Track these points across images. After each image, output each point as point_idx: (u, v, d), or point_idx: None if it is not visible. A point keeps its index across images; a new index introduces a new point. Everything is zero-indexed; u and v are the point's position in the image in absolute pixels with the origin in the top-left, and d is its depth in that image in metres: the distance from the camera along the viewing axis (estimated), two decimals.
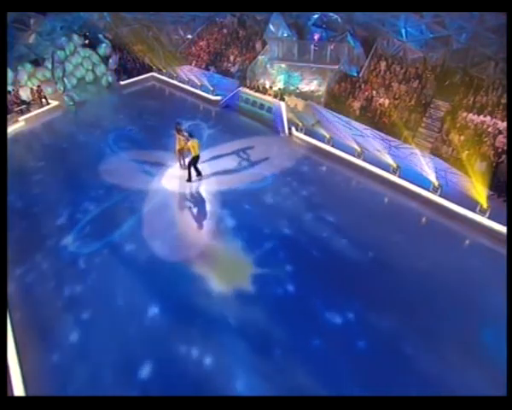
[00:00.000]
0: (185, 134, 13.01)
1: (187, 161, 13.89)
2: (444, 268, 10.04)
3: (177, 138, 13.54)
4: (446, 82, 17.20)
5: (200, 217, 12.47)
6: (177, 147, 13.75)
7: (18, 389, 7.55)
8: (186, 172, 13.63)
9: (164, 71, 22.30)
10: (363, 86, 18.67)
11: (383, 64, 19.16)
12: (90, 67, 21.27)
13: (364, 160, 14.28)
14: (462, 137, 14.60)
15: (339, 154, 14.91)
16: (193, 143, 12.74)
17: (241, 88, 19.13)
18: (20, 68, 19.49)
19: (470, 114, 15.38)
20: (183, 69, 21.88)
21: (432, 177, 12.77)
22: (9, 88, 18.96)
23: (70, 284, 9.87)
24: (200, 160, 13.61)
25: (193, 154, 12.89)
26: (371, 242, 10.87)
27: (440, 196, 12.35)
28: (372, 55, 20.00)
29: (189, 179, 13.42)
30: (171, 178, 13.92)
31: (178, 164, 14.33)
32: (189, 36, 25.94)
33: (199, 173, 13.44)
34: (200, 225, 12.06)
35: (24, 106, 18.80)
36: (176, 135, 13.56)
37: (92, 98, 20.54)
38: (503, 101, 14.88)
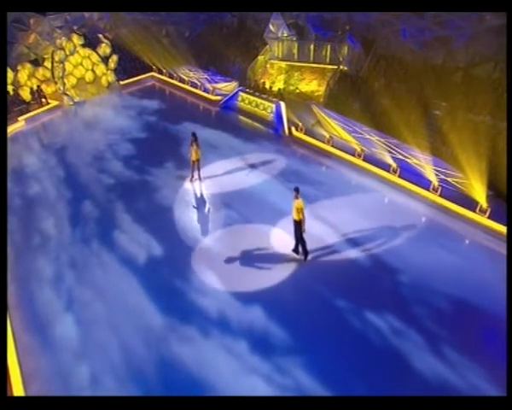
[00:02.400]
0: (294, 194, 9.63)
1: (201, 173, 13.50)
2: (443, 268, 10.02)
3: (193, 149, 12.97)
4: (446, 82, 17.18)
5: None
6: (192, 158, 13.17)
7: (18, 389, 7.55)
8: (196, 185, 13.40)
9: (164, 71, 22.29)
10: (362, 86, 18.65)
11: (383, 64, 19.14)
12: (90, 67, 21.25)
13: (364, 160, 14.27)
14: (461, 137, 14.57)
15: (339, 153, 14.91)
16: (299, 205, 9.53)
17: (240, 88, 19.12)
18: (20, 68, 19.47)
19: (470, 114, 15.35)
20: (183, 69, 21.85)
21: (431, 177, 12.77)
22: (9, 88, 18.95)
23: (70, 285, 9.88)
24: (202, 165, 13.42)
25: (295, 217, 9.70)
26: (370, 241, 10.86)
27: (440, 195, 12.35)
28: (372, 55, 19.99)
29: (296, 250, 10.39)
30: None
31: (190, 177, 13.59)
32: (189, 36, 25.91)
33: (305, 253, 10.21)
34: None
35: (24, 106, 18.79)
36: (191, 146, 12.97)
37: (92, 98, 20.54)
38: (503, 101, 14.86)
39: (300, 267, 10.20)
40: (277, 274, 10.02)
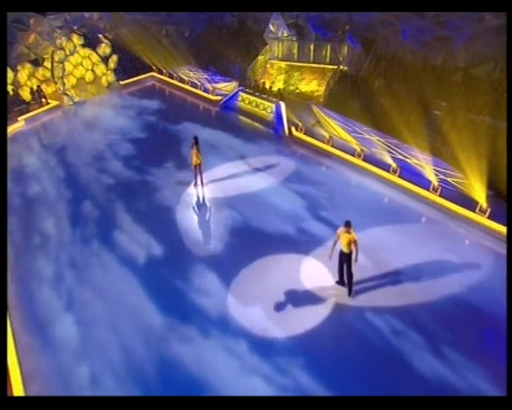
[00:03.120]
0: (345, 228, 8.74)
1: (204, 179, 13.16)
2: (443, 268, 10.02)
3: (193, 153, 12.68)
4: (446, 82, 17.18)
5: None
6: (193, 162, 12.89)
7: (18, 389, 7.55)
8: (198, 188, 13.18)
9: (164, 71, 22.30)
10: (362, 86, 18.65)
11: (383, 64, 19.15)
12: (90, 67, 21.26)
13: (364, 160, 14.28)
14: (461, 137, 14.58)
15: (339, 153, 14.92)
16: (353, 238, 8.71)
17: (240, 88, 19.13)
18: (19, 68, 19.48)
19: (470, 114, 15.35)
20: (183, 69, 21.86)
21: (431, 177, 12.78)
22: (9, 88, 18.95)
23: (70, 285, 9.88)
24: (202, 166, 13.10)
25: (345, 250, 8.92)
26: (371, 242, 10.83)
27: (440, 195, 12.35)
28: (372, 56, 20.00)
29: (341, 282, 9.53)
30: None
31: (194, 181, 13.33)
32: (189, 36, 25.92)
33: (350, 287, 9.36)
34: None
35: (24, 106, 18.79)
36: (191, 150, 12.67)
37: (92, 98, 20.54)
38: (503, 101, 14.86)
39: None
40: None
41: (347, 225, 8.74)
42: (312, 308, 9.14)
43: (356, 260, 8.97)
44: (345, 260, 9.12)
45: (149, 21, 24.81)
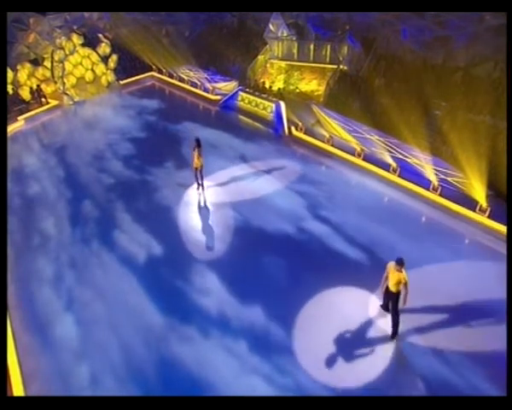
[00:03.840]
0: (396, 265, 7.97)
1: (205, 183, 12.97)
2: (443, 267, 10.02)
3: (195, 155, 12.46)
4: (446, 82, 17.18)
5: None
6: (194, 165, 12.66)
7: (18, 389, 7.56)
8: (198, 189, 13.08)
9: (164, 70, 22.28)
10: (362, 86, 18.64)
11: (383, 64, 19.14)
12: (90, 67, 21.25)
13: (364, 159, 14.28)
14: (461, 137, 14.58)
15: (339, 153, 14.92)
16: (404, 278, 7.93)
17: (240, 87, 19.11)
18: (19, 68, 19.47)
19: (470, 114, 15.35)
20: (183, 69, 21.85)
21: (431, 176, 12.78)
22: (9, 87, 18.93)
23: (70, 285, 9.88)
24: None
25: (392, 288, 8.19)
26: (371, 241, 10.85)
27: (440, 195, 12.35)
28: (372, 55, 20.00)
29: (385, 308, 8.87)
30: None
31: (195, 184, 13.11)
32: (189, 36, 25.90)
33: (395, 331, 8.43)
34: None
35: (23, 105, 18.77)
36: (193, 152, 12.47)
37: (92, 98, 20.52)
38: (503, 100, 14.85)
39: (301, 269, 10.14)
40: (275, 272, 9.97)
41: (400, 262, 7.85)
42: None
43: (404, 304, 8.12)
44: (390, 298, 8.34)
45: (149, 21, 24.78)
